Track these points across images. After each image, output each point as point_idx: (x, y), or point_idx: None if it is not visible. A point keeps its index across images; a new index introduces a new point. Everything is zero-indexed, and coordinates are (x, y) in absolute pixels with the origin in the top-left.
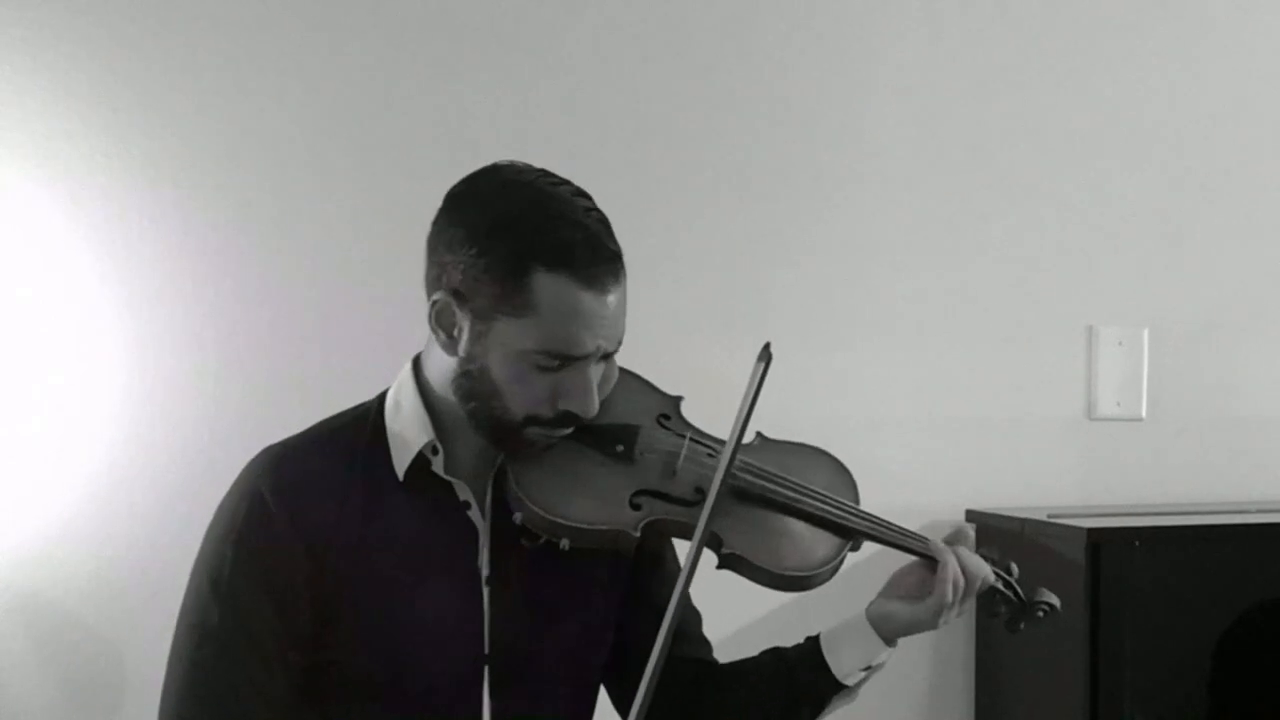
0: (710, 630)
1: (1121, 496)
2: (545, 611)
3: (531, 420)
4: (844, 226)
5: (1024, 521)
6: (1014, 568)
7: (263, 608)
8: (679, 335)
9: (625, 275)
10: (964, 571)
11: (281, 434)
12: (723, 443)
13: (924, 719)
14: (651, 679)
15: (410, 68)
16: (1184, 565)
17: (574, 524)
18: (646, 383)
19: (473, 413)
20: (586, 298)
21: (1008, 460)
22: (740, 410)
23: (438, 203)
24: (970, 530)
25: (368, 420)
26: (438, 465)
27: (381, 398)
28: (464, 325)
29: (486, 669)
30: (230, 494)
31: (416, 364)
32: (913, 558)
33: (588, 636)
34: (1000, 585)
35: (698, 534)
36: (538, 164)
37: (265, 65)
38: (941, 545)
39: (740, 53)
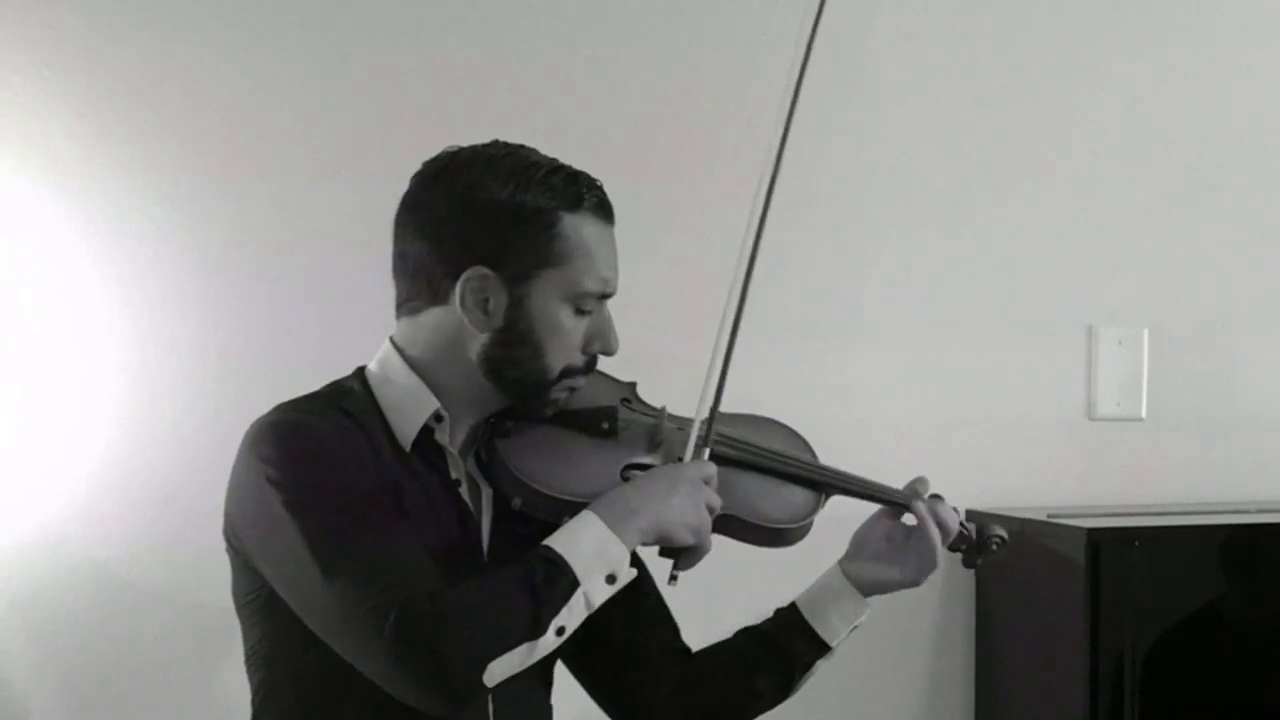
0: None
1: (1121, 496)
2: None
3: (565, 373)
4: (843, 226)
5: (1024, 521)
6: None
7: (363, 474)
8: (676, 335)
9: None
10: (940, 524)
11: None
12: (690, 420)
13: (924, 718)
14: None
15: (413, 65)
16: (1184, 565)
17: (578, 499)
18: (602, 372)
19: (511, 381)
20: (606, 231)
21: (1008, 460)
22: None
23: None
24: (925, 480)
25: (355, 391)
26: (442, 434)
27: (354, 375)
28: (500, 295)
29: None
30: (245, 452)
31: (395, 344)
32: (874, 508)
33: None
34: (962, 526)
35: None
36: None
37: (265, 63)
38: (920, 505)
39: (741, 53)
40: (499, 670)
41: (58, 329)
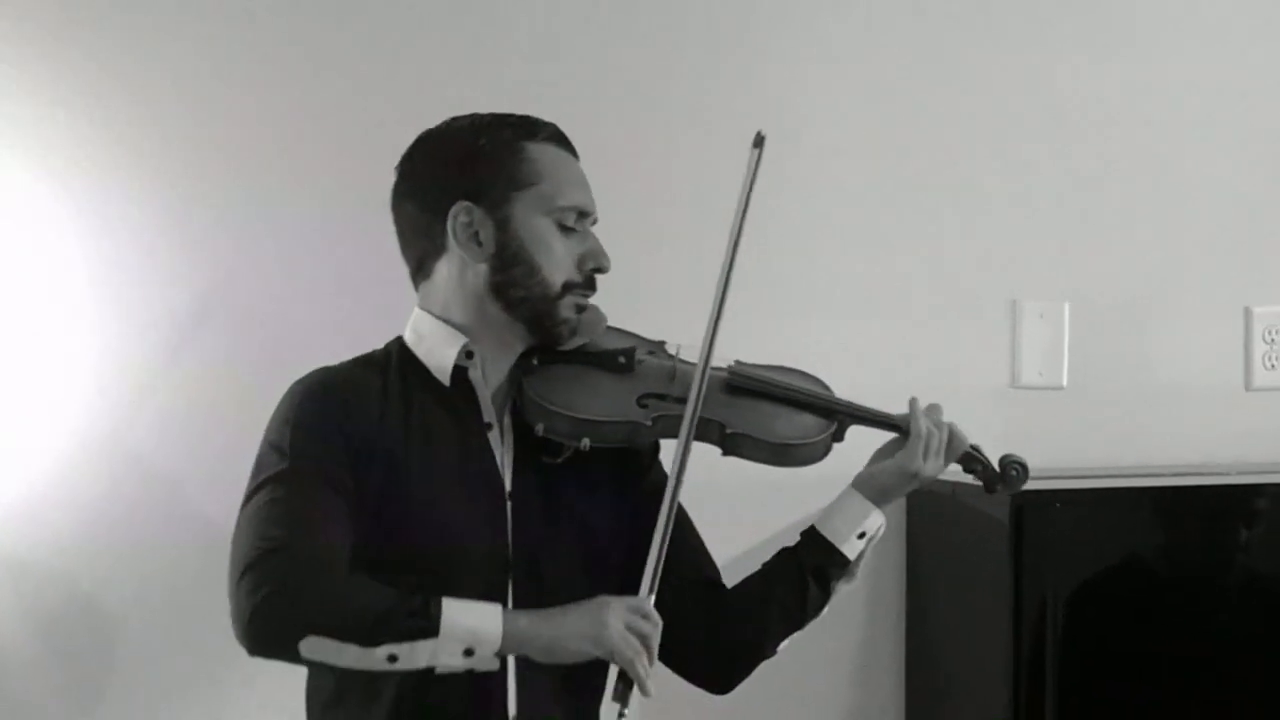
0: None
1: (1043, 461)
2: (561, 528)
3: (567, 287)
4: (771, 202)
5: (954, 485)
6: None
7: (330, 454)
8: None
9: None
10: (937, 426)
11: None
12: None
13: (855, 668)
14: (662, 541)
15: (398, 59)
16: (1102, 526)
17: (594, 418)
18: (632, 333)
19: (519, 301)
20: (569, 158)
21: None
22: (741, 195)
23: None
24: (936, 406)
25: (392, 353)
26: (475, 372)
27: (392, 342)
28: (485, 223)
29: (510, 580)
30: (287, 396)
31: (420, 307)
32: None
33: (598, 555)
34: (973, 450)
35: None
36: None
37: (253, 58)
38: (916, 415)
39: (673, 28)
40: (316, 650)
41: (45, 305)
